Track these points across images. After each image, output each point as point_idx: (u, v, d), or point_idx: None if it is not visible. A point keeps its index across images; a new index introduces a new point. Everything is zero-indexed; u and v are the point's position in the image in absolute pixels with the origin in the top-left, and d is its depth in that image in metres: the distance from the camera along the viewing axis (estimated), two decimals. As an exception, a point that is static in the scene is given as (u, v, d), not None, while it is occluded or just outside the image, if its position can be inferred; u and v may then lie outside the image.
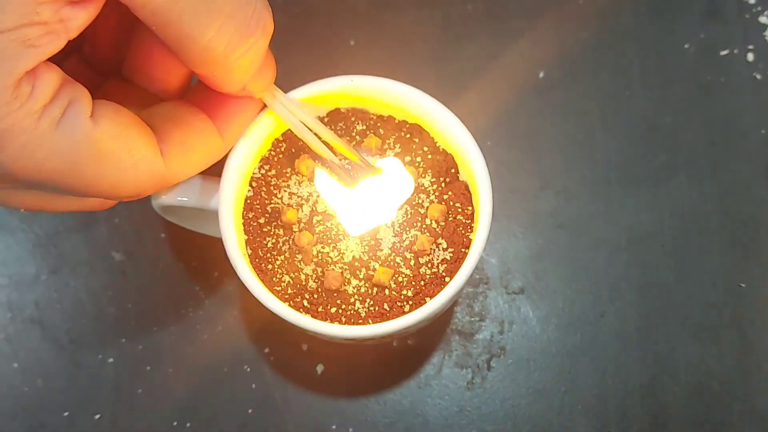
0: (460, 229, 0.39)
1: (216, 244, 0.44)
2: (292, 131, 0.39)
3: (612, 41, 0.54)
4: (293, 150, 0.41)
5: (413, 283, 0.38)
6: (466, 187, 0.40)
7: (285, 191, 0.40)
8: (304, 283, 0.38)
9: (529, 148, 0.51)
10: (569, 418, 0.46)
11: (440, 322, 0.48)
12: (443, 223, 0.39)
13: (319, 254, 0.39)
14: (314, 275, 0.38)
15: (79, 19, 0.26)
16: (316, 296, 0.38)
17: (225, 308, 0.48)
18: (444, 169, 0.40)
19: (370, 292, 0.38)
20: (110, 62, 0.34)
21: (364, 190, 0.38)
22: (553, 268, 0.49)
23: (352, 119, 0.41)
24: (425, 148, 0.41)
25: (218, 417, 0.46)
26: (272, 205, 0.40)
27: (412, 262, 0.38)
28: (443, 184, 0.40)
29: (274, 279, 0.39)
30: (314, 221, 0.39)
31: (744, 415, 0.45)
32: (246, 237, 0.39)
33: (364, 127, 0.41)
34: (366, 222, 0.38)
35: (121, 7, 0.26)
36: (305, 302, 0.38)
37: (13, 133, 0.25)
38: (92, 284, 0.49)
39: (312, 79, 0.40)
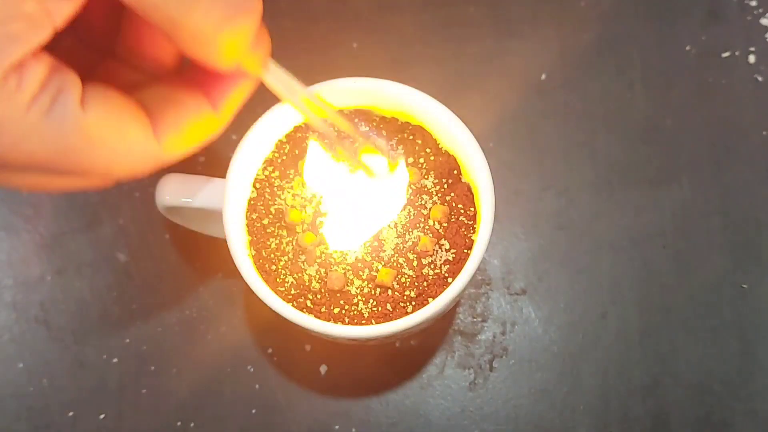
0: (463, 230, 0.39)
1: (220, 245, 0.45)
2: (295, 133, 0.39)
3: (613, 43, 0.54)
4: (297, 152, 0.41)
5: (416, 283, 0.38)
6: (469, 189, 0.40)
7: (289, 192, 0.40)
8: (307, 284, 0.39)
9: (531, 149, 0.52)
10: (571, 419, 0.46)
11: (443, 323, 0.48)
12: (446, 224, 0.39)
13: (323, 255, 0.39)
14: (318, 276, 0.39)
15: (65, 9, 0.26)
16: (319, 297, 0.38)
17: (229, 309, 0.48)
18: (446, 171, 0.40)
19: (373, 292, 0.38)
20: (105, 42, 0.34)
21: (354, 199, 0.38)
22: (555, 268, 0.49)
23: (356, 121, 0.42)
24: (428, 150, 0.41)
25: (222, 417, 0.46)
26: (276, 206, 0.40)
27: (415, 263, 0.39)
28: (446, 186, 0.40)
29: (278, 279, 0.39)
30: (318, 222, 0.40)
31: (745, 415, 0.46)
32: (250, 238, 0.40)
33: (367, 129, 0.42)
34: (349, 238, 0.38)
35: None
36: (309, 303, 0.38)
37: (2, 126, 0.26)
38: (97, 285, 0.49)
39: (315, 81, 0.40)
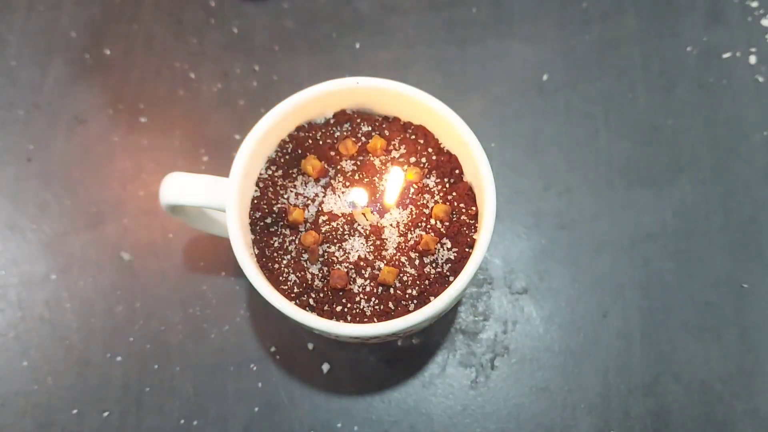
0: (465, 229, 0.39)
1: (223, 244, 0.45)
2: (298, 132, 0.39)
3: (615, 44, 0.54)
4: (299, 151, 0.41)
5: (418, 282, 0.38)
6: (471, 188, 0.40)
7: (291, 191, 0.41)
8: (310, 282, 0.39)
9: (533, 149, 0.52)
10: (572, 417, 0.46)
11: (444, 322, 0.48)
12: (448, 223, 0.39)
13: (325, 254, 0.39)
14: (320, 274, 0.39)
15: None
16: (321, 295, 0.39)
17: (232, 307, 0.48)
18: (448, 170, 0.41)
19: (375, 291, 0.38)
20: None
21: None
22: (557, 268, 0.49)
23: (358, 120, 0.42)
24: (430, 149, 0.41)
25: (225, 415, 0.46)
26: (279, 205, 0.40)
27: (417, 262, 0.39)
28: (448, 185, 0.40)
29: (281, 278, 0.39)
30: (320, 221, 0.40)
31: (746, 414, 0.46)
32: (253, 237, 0.40)
33: (370, 128, 0.42)
34: None
35: None
36: (311, 301, 0.38)
37: None
38: (101, 284, 0.49)
39: (318, 81, 0.41)
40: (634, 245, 0.49)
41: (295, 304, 0.38)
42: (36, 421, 0.46)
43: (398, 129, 0.42)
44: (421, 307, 0.37)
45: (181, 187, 0.39)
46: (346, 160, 0.41)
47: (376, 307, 0.38)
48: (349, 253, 0.39)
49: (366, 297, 0.38)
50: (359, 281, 0.39)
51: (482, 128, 0.42)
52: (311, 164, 0.40)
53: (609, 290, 0.48)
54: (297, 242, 0.40)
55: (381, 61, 0.54)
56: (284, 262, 0.39)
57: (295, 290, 0.39)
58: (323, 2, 0.56)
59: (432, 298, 0.38)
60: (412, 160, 0.41)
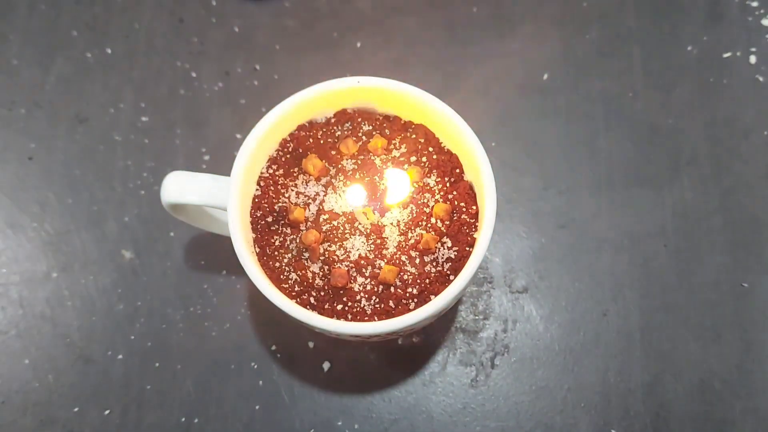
0: (465, 228, 0.39)
1: (224, 243, 0.45)
2: (299, 131, 0.39)
3: (615, 44, 0.54)
4: (300, 150, 0.41)
5: (418, 281, 0.38)
6: (471, 187, 0.40)
7: (292, 190, 0.41)
8: (310, 281, 0.39)
9: (533, 148, 0.52)
10: (572, 416, 0.46)
11: (445, 320, 0.48)
12: (448, 222, 0.39)
13: (326, 252, 0.39)
14: (321, 273, 0.39)
15: None
16: (322, 294, 0.39)
17: (233, 306, 0.48)
18: (449, 169, 0.41)
19: (375, 289, 0.39)
20: None
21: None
22: (557, 267, 0.49)
23: (359, 120, 0.42)
24: (430, 149, 0.41)
25: (226, 413, 0.46)
26: (280, 204, 0.40)
27: (417, 261, 0.39)
28: (448, 184, 0.41)
29: (282, 276, 0.39)
30: (321, 220, 0.40)
31: (745, 413, 0.46)
32: (254, 235, 0.40)
33: (371, 127, 0.42)
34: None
35: None
36: (312, 299, 0.39)
37: None
38: (102, 282, 0.49)
39: (319, 80, 0.41)
40: (634, 244, 0.49)
41: (296, 302, 0.38)
42: (37, 419, 0.46)
43: (399, 128, 0.42)
44: (421, 305, 0.37)
45: (182, 186, 0.39)
46: (346, 159, 0.41)
47: (377, 305, 0.38)
48: (349, 251, 0.39)
49: (366, 296, 0.38)
50: (360, 280, 0.39)
51: (482, 127, 0.42)
52: (312, 163, 0.40)
53: (609, 289, 0.49)
54: (298, 241, 0.40)
55: (382, 61, 0.54)
56: (285, 260, 0.39)
57: (296, 289, 0.39)
58: (324, 1, 0.56)
59: (432, 296, 0.38)
60: (413, 159, 0.41)
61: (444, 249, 0.39)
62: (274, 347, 0.48)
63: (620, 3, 0.55)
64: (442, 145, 0.41)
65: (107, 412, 0.47)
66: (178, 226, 0.50)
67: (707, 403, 0.46)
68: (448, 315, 0.48)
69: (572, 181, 0.51)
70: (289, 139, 0.42)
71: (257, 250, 0.40)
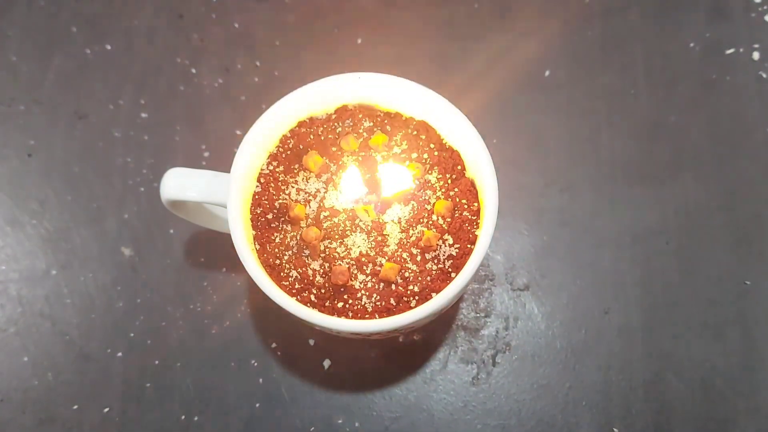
0: (466, 225, 0.39)
1: (224, 240, 0.45)
2: (299, 128, 0.39)
3: (617, 40, 0.54)
4: (301, 146, 0.41)
5: (419, 278, 0.38)
6: (472, 184, 0.40)
7: (293, 187, 0.41)
8: (311, 278, 0.39)
9: (535, 145, 0.52)
10: (573, 414, 0.46)
11: (446, 318, 0.48)
12: (449, 220, 0.39)
13: (327, 250, 0.39)
14: (321, 270, 0.39)
15: None
16: (323, 291, 0.38)
17: (233, 303, 0.48)
18: (450, 166, 0.40)
19: (376, 287, 0.38)
20: None
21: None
22: (558, 264, 0.49)
23: (360, 116, 0.42)
24: (432, 145, 0.41)
25: (225, 411, 0.46)
26: (280, 201, 0.40)
27: (419, 258, 0.39)
28: (450, 181, 0.40)
29: (282, 274, 0.39)
30: (321, 217, 0.40)
31: (748, 412, 0.46)
32: (254, 232, 0.40)
33: (371, 123, 0.42)
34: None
35: None
36: (312, 297, 0.38)
37: None
38: (101, 279, 0.49)
39: (320, 76, 0.41)
40: (636, 242, 0.49)
41: (297, 300, 0.38)
42: (36, 417, 0.46)
43: (400, 124, 0.41)
44: (422, 303, 0.37)
45: (182, 183, 0.39)
46: (347, 156, 0.41)
47: (378, 303, 0.38)
48: (350, 249, 0.39)
49: (367, 293, 0.38)
50: (361, 277, 0.39)
51: (484, 124, 0.41)
52: (313, 160, 0.40)
53: (610, 287, 0.48)
54: (298, 238, 0.40)
55: (383, 57, 0.54)
56: (285, 257, 0.39)
57: (297, 286, 0.39)
58: (325, -3, 0.56)
59: (433, 294, 0.38)
60: (414, 155, 0.41)
61: (445, 246, 0.39)
62: (274, 345, 0.48)
63: (622, -1, 0.55)
64: (444, 141, 0.41)
65: (107, 409, 0.46)
66: (178, 223, 0.50)
67: (709, 401, 0.46)
68: (450, 312, 0.48)
69: (574, 178, 0.51)
70: (289, 135, 0.41)
71: (257, 247, 0.39)
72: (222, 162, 0.51)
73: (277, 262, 0.39)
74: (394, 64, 0.54)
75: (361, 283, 0.38)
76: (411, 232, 0.39)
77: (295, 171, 0.41)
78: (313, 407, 0.46)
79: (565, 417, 0.46)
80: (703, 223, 0.49)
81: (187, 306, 0.48)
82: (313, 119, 0.42)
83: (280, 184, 0.41)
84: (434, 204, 0.39)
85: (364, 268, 0.39)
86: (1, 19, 0.55)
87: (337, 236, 0.39)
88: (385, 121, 0.42)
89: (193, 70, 0.54)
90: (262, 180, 0.41)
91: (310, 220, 0.40)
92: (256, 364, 0.47)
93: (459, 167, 0.40)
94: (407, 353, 0.47)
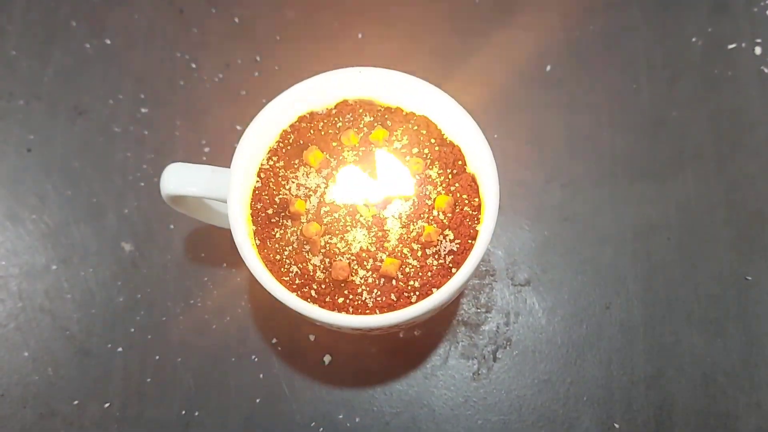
0: (467, 220, 0.39)
1: (224, 235, 0.45)
2: (300, 123, 0.39)
3: (619, 35, 0.54)
4: (301, 141, 0.41)
5: (420, 274, 0.38)
6: (473, 179, 0.40)
7: (293, 182, 0.41)
8: (311, 274, 0.39)
9: (536, 141, 0.51)
10: (574, 409, 0.46)
11: (447, 313, 0.48)
12: (450, 215, 0.39)
13: (327, 245, 0.39)
14: (322, 266, 0.39)
15: None
16: (323, 286, 0.38)
17: (233, 298, 0.48)
18: (451, 161, 0.40)
19: (377, 282, 0.38)
20: None
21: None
22: (559, 260, 0.49)
23: (360, 111, 0.42)
24: (432, 140, 0.41)
25: (226, 406, 0.46)
26: (280, 196, 0.40)
27: (419, 253, 0.39)
28: (450, 176, 0.40)
29: (282, 269, 0.39)
30: (322, 212, 0.40)
31: (749, 407, 0.46)
32: (254, 228, 0.40)
33: (372, 118, 0.42)
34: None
35: None
36: (313, 292, 0.38)
37: None
38: (102, 274, 0.49)
39: (320, 70, 0.40)
40: (637, 238, 0.49)
41: (297, 295, 0.38)
42: (36, 412, 0.46)
43: (401, 119, 0.41)
44: (423, 298, 0.37)
45: (182, 178, 0.39)
46: (348, 151, 0.41)
47: (378, 298, 0.38)
48: (351, 244, 0.39)
49: (368, 288, 0.38)
50: (361, 272, 0.39)
51: (485, 119, 0.41)
52: (313, 155, 0.40)
53: (612, 282, 0.48)
54: (299, 233, 0.39)
55: (383, 51, 0.54)
56: (286, 253, 0.39)
57: (297, 281, 0.39)
58: (325, -8, 0.56)
59: (434, 289, 0.38)
60: (415, 150, 0.41)
61: (446, 241, 0.39)
62: (274, 340, 0.47)
63: (624, -6, 0.55)
64: (445, 136, 0.41)
65: (107, 405, 0.46)
66: (178, 218, 0.50)
67: (710, 396, 0.46)
68: (450, 308, 0.48)
69: (575, 173, 0.51)
70: (289, 130, 0.41)
71: (258, 242, 0.39)
72: (222, 157, 0.51)
73: (278, 257, 0.39)
74: (394, 58, 0.54)
75: (361, 278, 0.38)
76: (411, 227, 0.39)
77: (296, 166, 0.41)
78: (314, 403, 0.46)
79: (566, 412, 0.46)
80: (704, 218, 0.49)
81: (187, 301, 0.48)
82: (313, 114, 0.42)
83: (280, 179, 0.41)
84: (435, 199, 0.39)
85: (365, 263, 0.39)
86: (1, 14, 0.55)
87: (337, 231, 0.39)
88: (386, 116, 0.41)
89: (194, 65, 0.54)
90: (262, 175, 0.40)
91: (310, 215, 0.40)
92: (256, 359, 0.47)
93: (460, 162, 0.40)
94: (408, 348, 0.47)
